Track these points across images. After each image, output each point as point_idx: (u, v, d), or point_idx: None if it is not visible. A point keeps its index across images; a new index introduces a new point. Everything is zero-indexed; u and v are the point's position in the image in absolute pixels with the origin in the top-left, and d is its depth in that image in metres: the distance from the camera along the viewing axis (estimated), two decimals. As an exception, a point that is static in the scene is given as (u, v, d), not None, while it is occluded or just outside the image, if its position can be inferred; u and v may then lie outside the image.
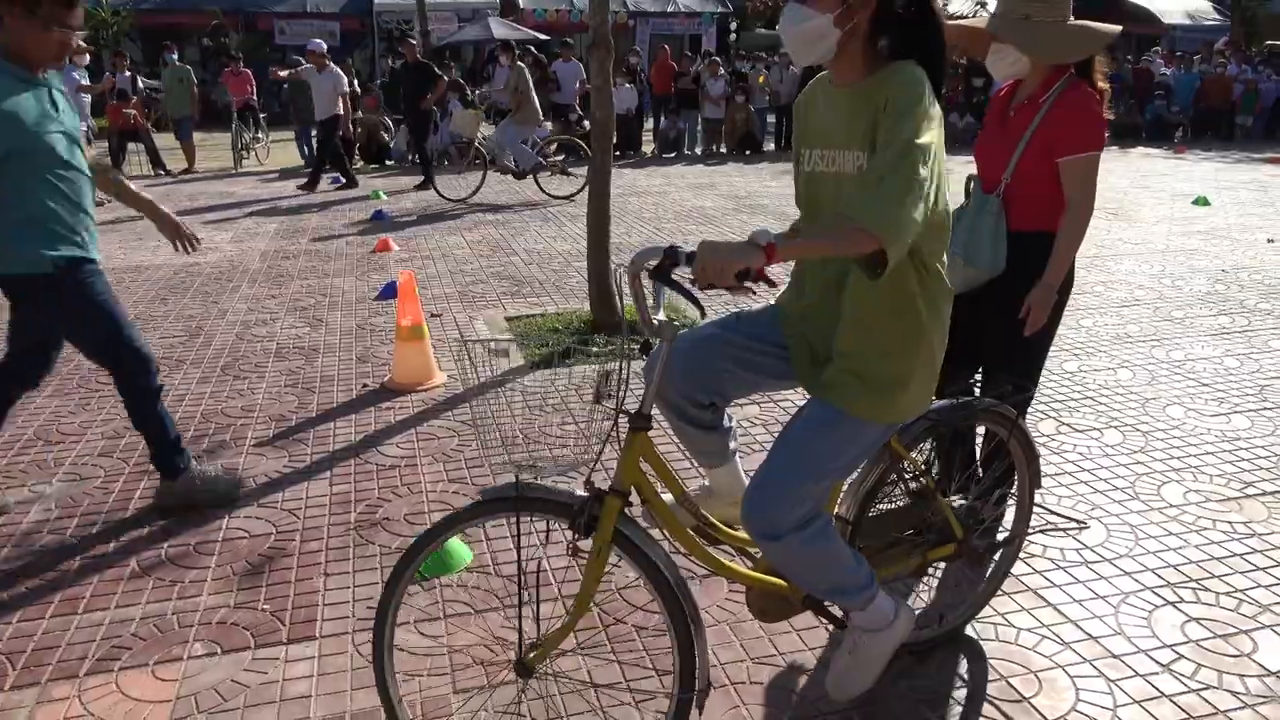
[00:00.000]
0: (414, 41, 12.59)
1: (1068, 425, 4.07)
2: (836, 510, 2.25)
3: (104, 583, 2.92)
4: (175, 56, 15.17)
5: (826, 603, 2.21)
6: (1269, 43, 22.92)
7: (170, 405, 4.39)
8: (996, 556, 2.63)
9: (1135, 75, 18.86)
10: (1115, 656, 2.51)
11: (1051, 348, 5.08)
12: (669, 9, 28.44)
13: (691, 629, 1.94)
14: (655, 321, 1.91)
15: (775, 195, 11.09)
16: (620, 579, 2.86)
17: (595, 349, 4.76)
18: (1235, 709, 2.31)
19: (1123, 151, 15.95)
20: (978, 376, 2.95)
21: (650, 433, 1.99)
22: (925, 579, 2.78)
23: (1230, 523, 3.22)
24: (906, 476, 2.31)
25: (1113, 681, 2.41)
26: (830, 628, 2.53)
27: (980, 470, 2.65)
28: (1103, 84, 2.78)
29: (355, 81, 15.89)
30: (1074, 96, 2.71)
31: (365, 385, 4.66)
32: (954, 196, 2.17)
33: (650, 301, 1.93)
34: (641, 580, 1.98)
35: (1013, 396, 2.43)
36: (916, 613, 2.32)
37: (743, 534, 2.25)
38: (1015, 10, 2.71)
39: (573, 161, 11.72)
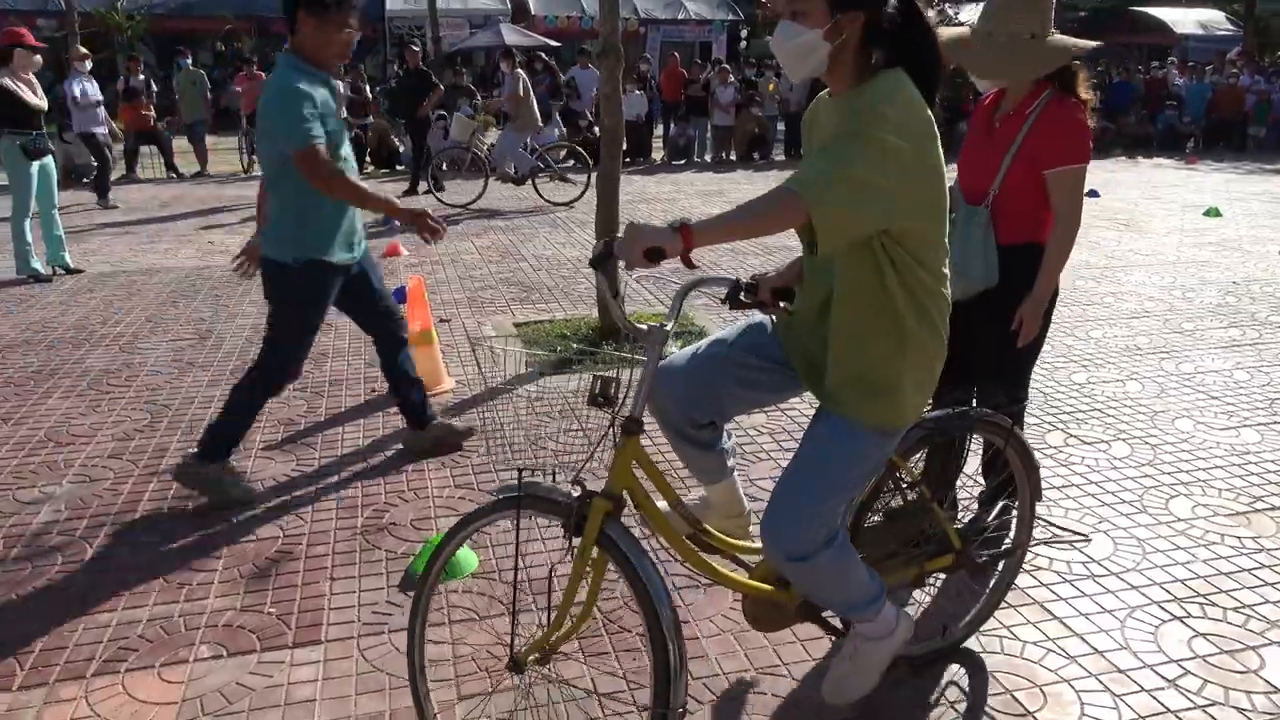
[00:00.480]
0: (416, 48, 12.63)
1: (1076, 437, 4.06)
2: None
3: (112, 584, 2.94)
4: (189, 61, 15.25)
5: (825, 613, 2.21)
6: (1282, 54, 22.86)
7: (179, 407, 4.42)
8: (998, 568, 2.62)
9: (1147, 85, 18.82)
10: (1121, 671, 2.50)
11: (1060, 359, 5.08)
12: (680, 16, 28.52)
13: (670, 647, 1.86)
14: (640, 325, 1.92)
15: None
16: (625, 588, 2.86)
17: (601, 355, 4.77)
18: (1242, 725, 2.30)
19: (1133, 162, 15.92)
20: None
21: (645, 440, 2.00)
22: (926, 590, 2.76)
23: (1239, 537, 3.20)
24: (903, 486, 2.30)
25: (1118, 696, 2.40)
26: (832, 637, 2.52)
27: (982, 480, 2.65)
28: (1085, 94, 2.75)
29: (367, 87, 16.01)
30: (1060, 109, 2.71)
31: (374, 390, 4.67)
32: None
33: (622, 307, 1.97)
34: (627, 588, 2.00)
35: (1008, 407, 2.42)
36: (916, 624, 2.31)
37: (738, 541, 2.27)
38: (999, 28, 2.70)
39: (577, 168, 11.73)
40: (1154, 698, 2.40)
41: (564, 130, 14.92)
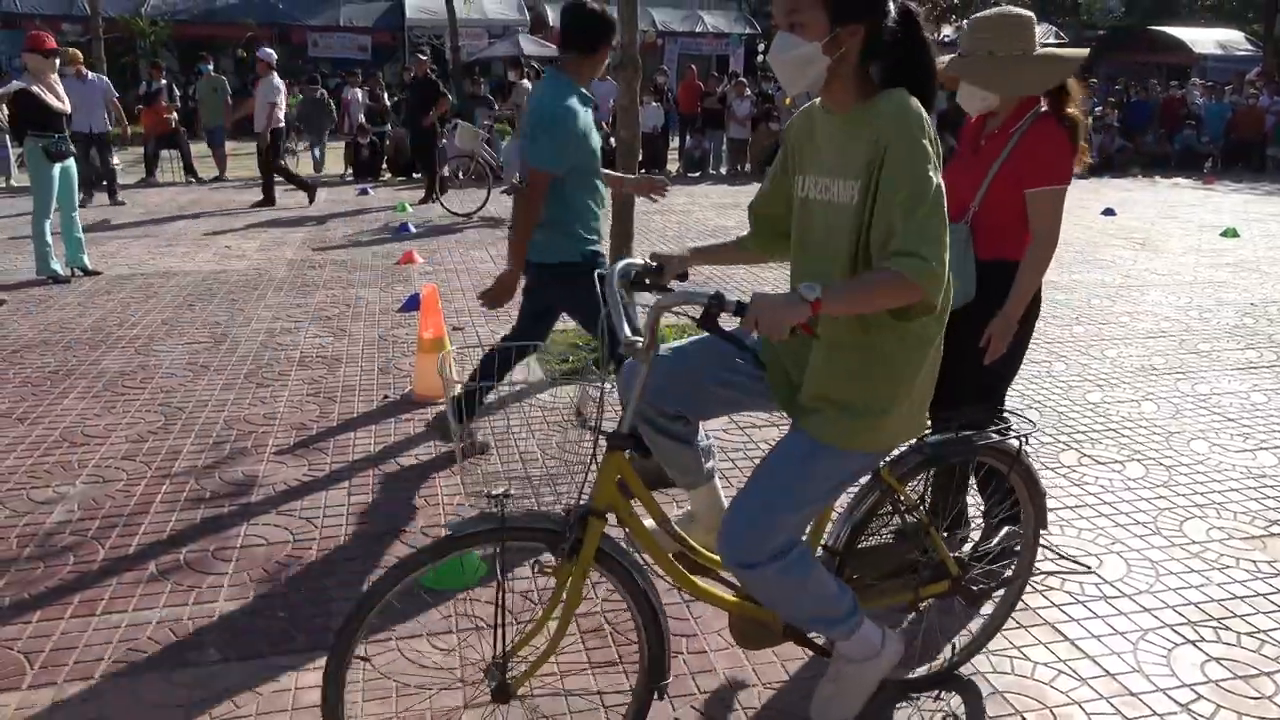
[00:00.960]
0: (423, 56, 12.68)
1: (1090, 457, 4.03)
2: (825, 540, 2.23)
3: (122, 585, 2.95)
4: (210, 67, 15.40)
5: (809, 632, 2.19)
6: (1302, 75, 22.71)
7: (193, 411, 4.45)
8: (996, 596, 2.55)
9: (1164, 104, 18.74)
10: (1133, 695, 2.47)
11: (1075, 378, 5.04)
12: (697, 29, 28.63)
13: (665, 633, 2.02)
14: (635, 342, 1.88)
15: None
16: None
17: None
18: (1255, 752, 2.27)
19: (1151, 181, 15.84)
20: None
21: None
22: (921, 615, 2.70)
23: (1254, 561, 3.17)
24: (900, 510, 2.27)
25: (1130, 720, 2.38)
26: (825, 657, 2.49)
27: (982, 505, 2.61)
28: (1073, 111, 2.73)
29: (385, 95, 16.13)
30: (1043, 129, 2.70)
31: (386, 396, 4.69)
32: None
33: (620, 313, 1.94)
34: (616, 587, 2.01)
35: (990, 425, 2.37)
36: (907, 648, 2.27)
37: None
38: (978, 47, 2.70)
39: None
40: (1166, 722, 2.37)
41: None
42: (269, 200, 11.31)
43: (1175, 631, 2.76)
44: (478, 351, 5.20)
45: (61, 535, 3.26)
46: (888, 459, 2.18)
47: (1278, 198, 13.81)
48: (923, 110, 1.83)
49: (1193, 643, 2.71)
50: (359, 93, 15.69)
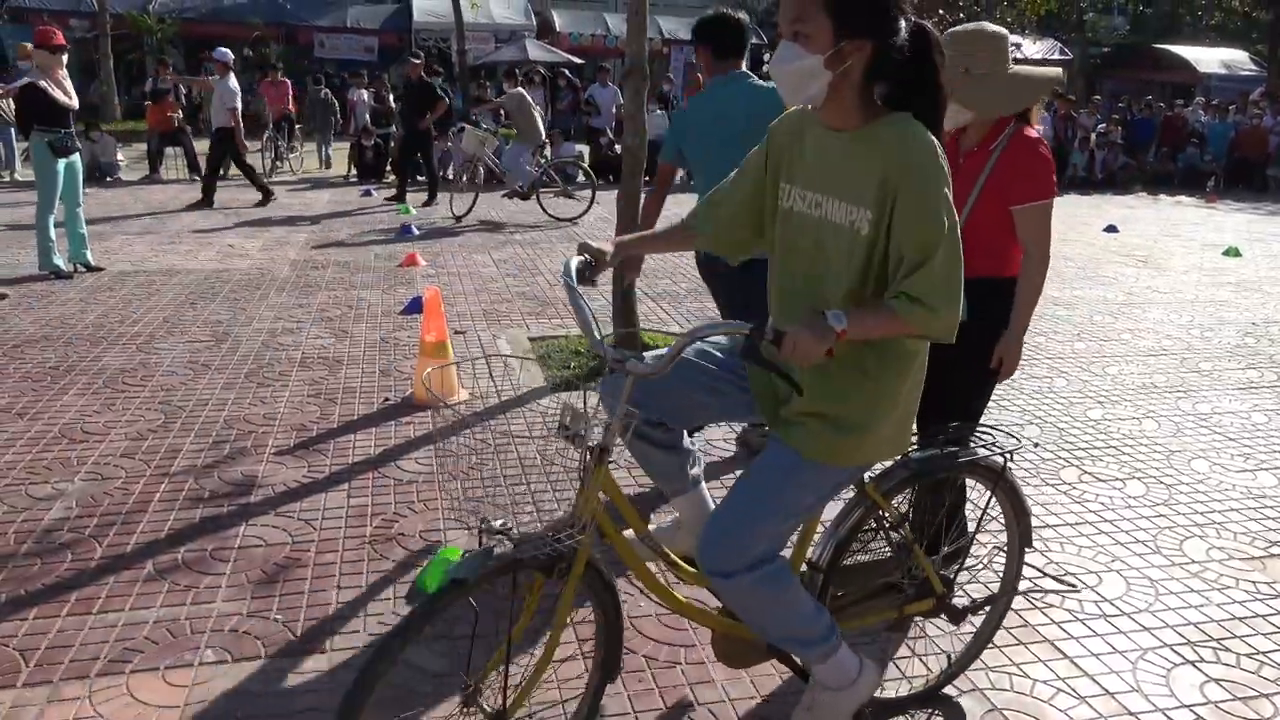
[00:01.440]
0: (417, 60, 12.68)
1: (1090, 474, 4.03)
2: (810, 556, 2.20)
3: (120, 584, 2.94)
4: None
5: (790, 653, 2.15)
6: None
7: (193, 410, 4.44)
8: (981, 615, 2.51)
9: (1166, 123, 18.79)
10: (1132, 714, 2.46)
11: (1076, 395, 5.04)
12: (704, 38, 28.65)
13: (620, 624, 2.04)
14: (621, 357, 1.86)
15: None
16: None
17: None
18: (1254, 775, 2.26)
19: (1154, 198, 15.87)
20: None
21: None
22: (902, 634, 2.68)
23: (1254, 582, 3.17)
24: (885, 526, 2.25)
25: (1129, 740, 2.37)
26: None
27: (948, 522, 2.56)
28: (1031, 131, 2.71)
29: (391, 96, 16.16)
30: (1023, 144, 2.68)
31: (387, 399, 4.68)
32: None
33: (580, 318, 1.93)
34: (591, 599, 2.02)
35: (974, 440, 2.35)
36: (888, 669, 2.26)
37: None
38: (954, 64, 2.66)
39: (585, 185, 11.78)
40: (1165, 743, 2.36)
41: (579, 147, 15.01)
42: (207, 202, 11.08)
43: (1175, 651, 2.75)
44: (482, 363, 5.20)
45: (59, 532, 3.26)
46: (873, 476, 2.17)
47: (1280, 218, 13.83)
48: (936, 144, 1.77)
49: (1192, 663, 2.70)
50: (364, 94, 15.72)
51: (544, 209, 10.93)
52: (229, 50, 11.56)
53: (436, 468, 3.86)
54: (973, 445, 2.32)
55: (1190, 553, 3.35)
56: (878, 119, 1.82)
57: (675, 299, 7.10)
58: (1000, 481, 2.33)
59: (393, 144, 14.64)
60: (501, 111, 12.51)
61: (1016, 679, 2.60)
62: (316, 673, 2.54)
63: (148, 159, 13.97)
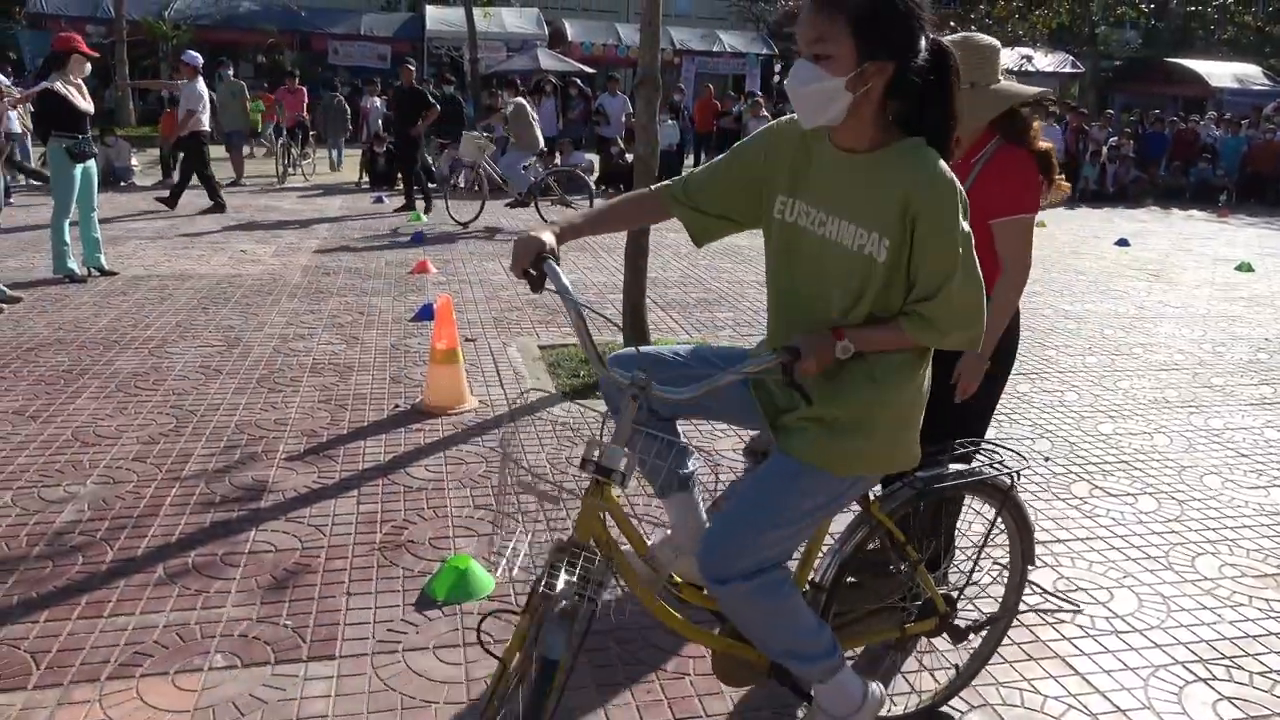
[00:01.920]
0: (411, 67, 12.70)
1: (1101, 489, 4.01)
2: (812, 576, 2.18)
3: (130, 587, 2.95)
4: (230, 72, 15.54)
5: (791, 670, 2.10)
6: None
7: (204, 415, 4.46)
8: (981, 634, 2.48)
9: (1178, 137, 18.75)
10: (1144, 732, 2.45)
11: (1088, 409, 5.02)
12: (715, 49, 28.78)
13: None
14: (624, 378, 1.83)
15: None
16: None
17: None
18: (1267, 795, 2.24)
19: (1165, 212, 15.82)
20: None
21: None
22: (903, 652, 2.63)
23: (1266, 600, 3.14)
24: (889, 545, 2.22)
25: (1140, 758, 2.35)
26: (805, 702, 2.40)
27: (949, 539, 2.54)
28: (1043, 144, 2.68)
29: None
30: (1006, 158, 2.65)
31: (397, 406, 4.69)
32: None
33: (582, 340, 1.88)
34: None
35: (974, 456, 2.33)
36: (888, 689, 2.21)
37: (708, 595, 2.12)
38: None
39: (584, 193, 11.81)
40: (1177, 761, 2.34)
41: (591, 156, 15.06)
42: (173, 203, 11.09)
43: (1187, 669, 2.73)
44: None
45: (71, 535, 3.27)
46: (877, 495, 2.15)
47: (1292, 233, 13.77)
48: (953, 176, 1.75)
49: (1204, 681, 2.68)
50: (377, 101, 15.81)
51: (543, 218, 10.96)
52: (198, 54, 11.47)
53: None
54: (979, 464, 2.30)
55: (1202, 569, 3.33)
56: (891, 144, 1.80)
57: (684, 308, 7.10)
58: (1007, 501, 2.31)
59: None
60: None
61: (1028, 695, 2.59)
62: (325, 679, 2.54)
63: (161, 164, 14.07)
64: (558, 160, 14.40)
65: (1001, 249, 2.64)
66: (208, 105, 11.12)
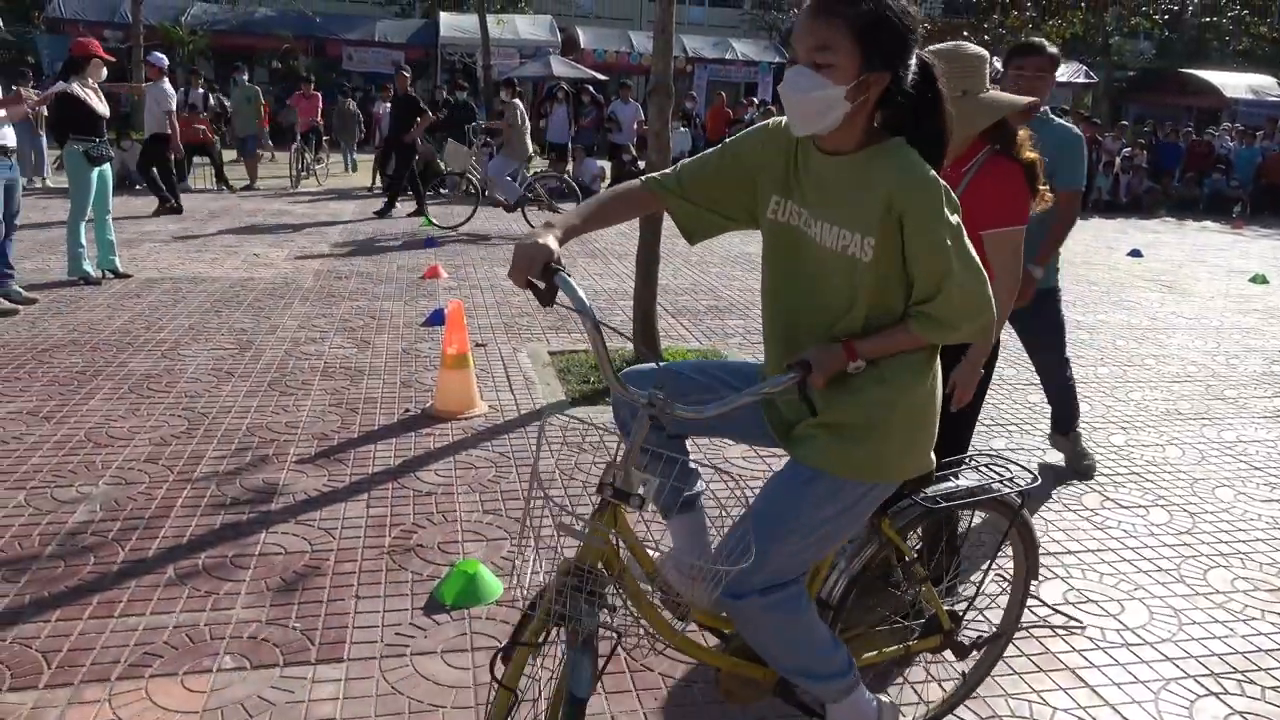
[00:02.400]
0: (406, 73, 12.84)
1: (1113, 500, 3.99)
2: (819, 593, 2.14)
3: (141, 588, 2.97)
4: (245, 77, 15.66)
5: (798, 689, 2.07)
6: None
7: (216, 417, 4.48)
8: (981, 650, 2.45)
9: (1192, 148, 18.67)
10: (1154, 745, 2.43)
11: (1099, 420, 4.99)
12: (727, 56, 28.84)
13: None
14: (640, 396, 1.78)
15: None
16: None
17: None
18: (1279, 811, 2.22)
19: (1179, 223, 15.75)
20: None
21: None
22: (904, 668, 2.63)
23: (1279, 614, 3.12)
24: (899, 563, 2.21)
25: (1150, 771, 2.33)
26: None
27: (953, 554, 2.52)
28: (1029, 155, 2.68)
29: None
30: (995, 169, 2.64)
31: (408, 410, 4.71)
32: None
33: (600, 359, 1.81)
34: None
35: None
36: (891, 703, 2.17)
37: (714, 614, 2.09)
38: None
39: (569, 199, 11.87)
40: (1188, 776, 2.33)
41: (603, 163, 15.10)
42: (175, 208, 11.11)
43: (1198, 682, 2.71)
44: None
45: (83, 535, 3.29)
46: (887, 512, 2.12)
47: (1307, 245, 13.68)
48: (935, 174, 1.75)
49: (1216, 695, 2.66)
50: (389, 107, 15.88)
51: (529, 224, 11.01)
52: (164, 56, 11.45)
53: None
54: (987, 481, 2.29)
55: (1214, 582, 3.31)
56: (873, 144, 1.80)
57: (695, 315, 7.10)
58: (1016, 518, 2.30)
59: (416, 157, 14.78)
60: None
61: (1037, 707, 2.57)
62: (333, 682, 2.55)
63: (175, 168, 14.15)
64: (570, 167, 14.44)
65: (992, 258, 2.63)
66: (174, 104, 11.02)
